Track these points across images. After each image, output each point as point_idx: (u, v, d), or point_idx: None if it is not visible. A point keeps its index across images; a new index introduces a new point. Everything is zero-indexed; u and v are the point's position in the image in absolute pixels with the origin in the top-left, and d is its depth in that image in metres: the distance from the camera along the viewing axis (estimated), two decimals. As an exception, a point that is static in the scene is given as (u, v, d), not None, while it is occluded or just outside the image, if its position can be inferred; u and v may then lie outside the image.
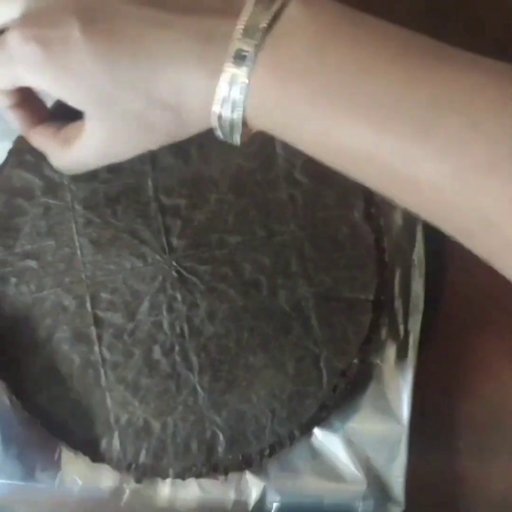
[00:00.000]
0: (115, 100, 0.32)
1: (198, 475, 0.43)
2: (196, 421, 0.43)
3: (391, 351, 0.44)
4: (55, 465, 0.44)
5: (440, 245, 0.46)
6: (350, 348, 0.43)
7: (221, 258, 0.44)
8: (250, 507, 0.44)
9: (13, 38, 0.32)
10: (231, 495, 0.44)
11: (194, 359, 0.43)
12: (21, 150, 0.45)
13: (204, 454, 0.43)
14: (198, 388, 0.43)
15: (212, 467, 0.43)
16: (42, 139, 0.37)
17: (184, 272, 0.44)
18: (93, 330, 0.44)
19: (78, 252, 0.44)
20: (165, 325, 0.44)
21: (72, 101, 0.33)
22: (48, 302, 0.44)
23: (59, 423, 0.43)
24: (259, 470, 0.44)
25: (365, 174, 0.30)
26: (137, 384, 0.43)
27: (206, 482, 0.44)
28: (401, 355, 0.44)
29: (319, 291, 0.44)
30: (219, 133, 0.31)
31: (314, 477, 0.44)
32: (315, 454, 0.44)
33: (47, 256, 0.44)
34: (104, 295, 0.44)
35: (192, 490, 0.44)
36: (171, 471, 0.43)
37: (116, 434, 0.43)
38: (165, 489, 0.44)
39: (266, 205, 0.44)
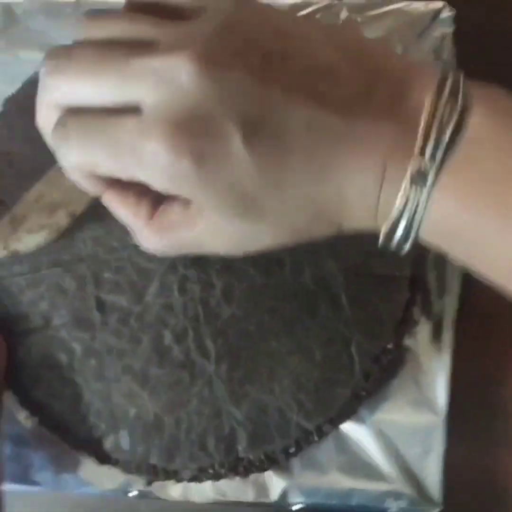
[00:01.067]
0: (272, 214, 0.29)
1: (216, 477, 0.41)
2: (213, 415, 0.40)
3: (424, 332, 0.41)
4: (53, 464, 0.42)
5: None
6: (384, 331, 0.40)
7: (238, 233, 0.41)
8: (271, 508, 0.41)
9: (153, 143, 0.27)
10: (249, 496, 0.41)
11: (210, 345, 0.40)
12: (11, 113, 0.42)
13: (222, 452, 0.40)
14: (215, 378, 0.40)
15: (231, 467, 0.40)
16: (125, 213, 0.32)
17: (197, 249, 0.41)
18: (96, 315, 0.41)
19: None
20: (177, 308, 0.41)
21: (209, 207, 0.29)
22: (44, 283, 0.41)
23: (58, 419, 0.41)
24: (280, 467, 0.41)
25: None
26: (146, 375, 0.40)
27: (221, 482, 0.41)
28: (436, 336, 0.41)
29: (348, 267, 0.41)
30: (382, 242, 0.29)
31: (341, 474, 0.41)
32: (342, 448, 0.41)
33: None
34: (107, 275, 0.41)
35: (205, 490, 0.41)
36: (185, 473, 0.40)
37: (123, 431, 0.40)
38: (175, 490, 0.41)
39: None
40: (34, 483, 0.41)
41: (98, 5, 0.42)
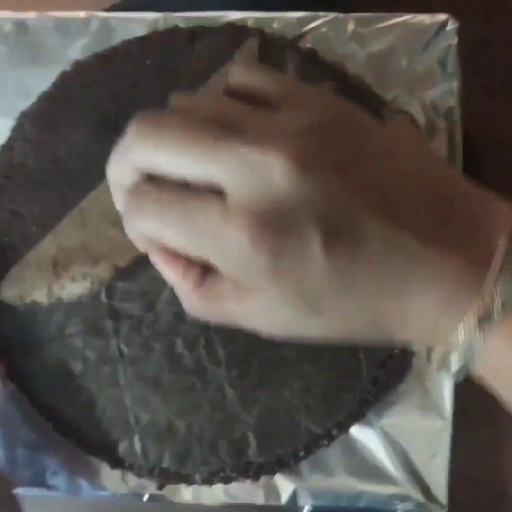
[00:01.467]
0: (330, 314, 0.29)
1: (227, 480, 0.41)
2: (224, 420, 0.40)
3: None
4: (68, 469, 0.42)
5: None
6: (391, 336, 0.40)
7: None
8: (281, 511, 0.41)
9: (233, 233, 0.27)
10: (260, 499, 0.41)
11: (220, 352, 0.40)
12: (26, 127, 0.42)
13: (233, 456, 0.40)
14: (226, 384, 0.40)
15: (242, 471, 0.40)
16: (174, 276, 0.31)
17: (207, 257, 0.41)
18: (109, 323, 0.41)
19: (90, 237, 0.41)
20: (188, 316, 0.39)
21: (267, 294, 0.29)
22: (58, 293, 0.41)
23: (73, 426, 0.41)
24: (289, 470, 0.41)
25: None
26: (158, 381, 0.40)
27: (231, 485, 0.41)
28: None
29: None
30: (434, 366, 0.29)
31: (349, 476, 0.41)
32: (350, 452, 0.41)
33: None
34: (120, 284, 0.41)
35: (216, 493, 0.41)
36: (197, 477, 0.41)
37: (136, 437, 0.40)
38: (187, 493, 0.42)
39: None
40: (48, 487, 0.42)
41: (109, 21, 0.43)
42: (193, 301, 0.31)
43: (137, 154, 0.29)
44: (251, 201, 0.27)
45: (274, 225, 0.27)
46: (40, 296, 0.38)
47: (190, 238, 0.28)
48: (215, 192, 0.28)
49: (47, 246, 0.39)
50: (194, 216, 0.28)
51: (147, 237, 0.30)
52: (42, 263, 0.38)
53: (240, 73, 0.31)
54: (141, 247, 0.31)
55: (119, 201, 0.31)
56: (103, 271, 0.38)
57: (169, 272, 0.31)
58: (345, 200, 0.27)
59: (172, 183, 0.28)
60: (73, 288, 0.38)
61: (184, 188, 0.28)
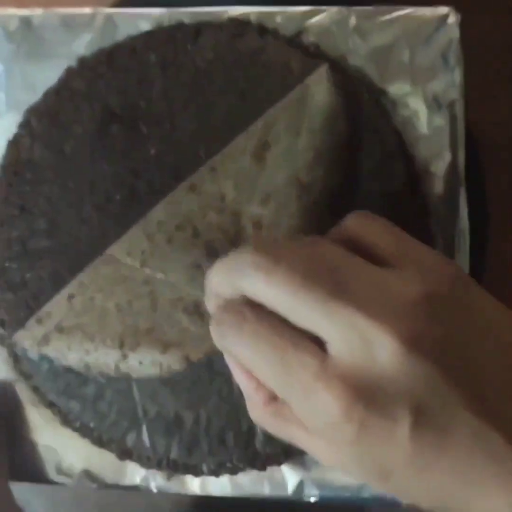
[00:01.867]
0: (396, 485, 0.29)
1: (234, 471, 0.41)
2: (231, 412, 0.41)
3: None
4: (74, 461, 0.42)
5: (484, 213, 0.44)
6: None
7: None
8: (286, 502, 0.42)
9: (325, 396, 0.27)
10: (266, 490, 0.42)
11: None
12: (32, 123, 0.42)
13: (240, 447, 0.41)
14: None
15: (249, 462, 0.41)
16: (246, 384, 0.31)
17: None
18: None
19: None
20: None
21: (339, 448, 0.28)
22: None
23: (81, 418, 0.41)
24: (295, 461, 0.41)
25: None
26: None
27: (238, 476, 0.42)
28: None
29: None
30: None
31: None
32: None
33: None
34: None
35: (223, 485, 0.42)
36: (204, 467, 0.41)
37: (144, 428, 0.41)
38: (194, 484, 0.42)
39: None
40: (54, 480, 0.42)
41: (114, 16, 0.43)
42: (260, 414, 0.31)
43: (247, 283, 0.29)
44: (350, 367, 0.27)
45: (368, 399, 0.27)
46: (108, 370, 0.38)
47: (278, 382, 0.28)
48: (314, 339, 0.28)
49: (113, 321, 0.38)
50: (289, 364, 0.28)
51: (232, 357, 0.30)
52: (108, 340, 0.37)
53: (357, 222, 0.31)
54: (221, 349, 0.31)
55: (212, 307, 0.31)
56: (173, 361, 0.37)
57: (243, 379, 0.31)
58: (442, 389, 0.27)
59: (273, 316, 0.28)
60: (141, 370, 0.37)
61: (284, 325, 0.28)
